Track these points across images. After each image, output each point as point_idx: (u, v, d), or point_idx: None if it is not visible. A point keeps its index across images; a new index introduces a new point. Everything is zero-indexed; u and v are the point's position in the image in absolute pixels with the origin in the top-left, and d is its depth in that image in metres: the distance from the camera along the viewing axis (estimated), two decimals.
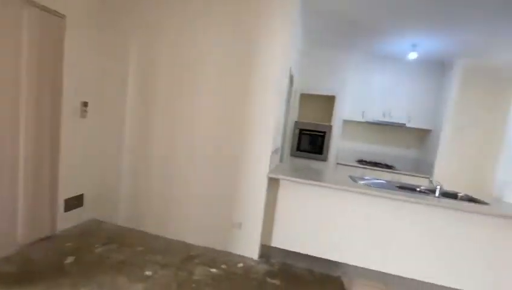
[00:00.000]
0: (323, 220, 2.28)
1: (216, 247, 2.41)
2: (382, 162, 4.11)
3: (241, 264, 2.23)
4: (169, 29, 2.39)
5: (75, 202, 2.52)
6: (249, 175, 2.30)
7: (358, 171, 3.71)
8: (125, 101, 2.53)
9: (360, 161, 4.07)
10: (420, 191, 2.41)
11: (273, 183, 2.33)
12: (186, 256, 2.25)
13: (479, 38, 2.73)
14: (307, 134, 3.78)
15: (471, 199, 2.33)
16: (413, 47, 3.06)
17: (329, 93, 3.76)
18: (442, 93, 3.65)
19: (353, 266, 2.25)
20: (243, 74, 2.26)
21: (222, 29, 2.28)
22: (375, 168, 3.77)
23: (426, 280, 2.11)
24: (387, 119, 3.85)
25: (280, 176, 2.25)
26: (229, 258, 2.30)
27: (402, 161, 4.10)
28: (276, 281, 2.07)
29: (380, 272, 2.19)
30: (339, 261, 2.27)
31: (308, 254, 2.32)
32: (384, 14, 2.54)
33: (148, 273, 1.96)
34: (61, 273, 1.85)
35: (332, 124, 3.73)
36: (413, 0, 2.25)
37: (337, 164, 3.84)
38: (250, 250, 2.35)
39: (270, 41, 2.19)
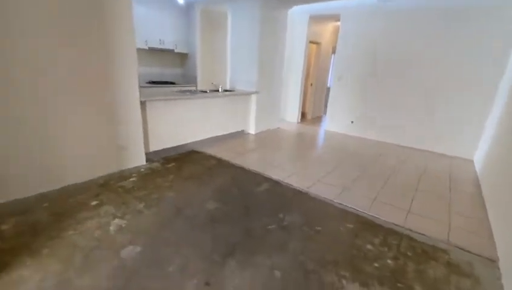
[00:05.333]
0: (176, 121, 3.58)
1: (111, 171, 2.90)
2: (165, 80, 5.48)
3: (143, 169, 3.06)
4: None
5: None
6: (125, 104, 2.85)
7: (155, 90, 4.87)
8: None
9: (150, 82, 5.13)
10: (211, 91, 4.34)
11: (142, 106, 3.08)
12: (103, 183, 2.64)
13: None
14: None
15: (227, 90, 4.69)
16: None
17: None
18: (192, 27, 5.42)
19: (196, 141, 3.93)
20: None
21: None
22: (164, 86, 5.10)
23: (222, 133, 4.37)
24: (162, 46, 5.05)
25: (147, 99, 3.07)
26: (130, 171, 2.99)
27: (176, 77, 5.75)
28: (172, 164, 3.27)
29: (209, 138, 4.11)
30: (189, 141, 3.83)
31: (173, 145, 3.62)
32: None
33: (94, 203, 2.30)
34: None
35: None
36: None
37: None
38: (139, 160, 3.16)
39: None
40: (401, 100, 4.66)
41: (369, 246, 1.97)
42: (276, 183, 2.94)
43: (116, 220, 2.08)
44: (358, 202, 2.62)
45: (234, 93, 4.46)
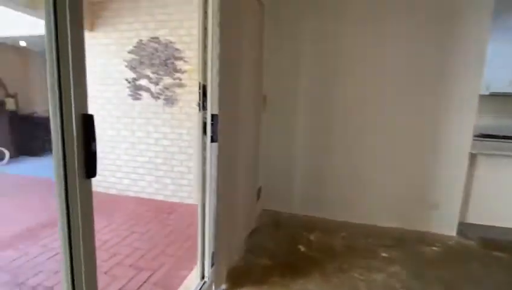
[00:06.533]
0: None
1: (412, 227, 2.51)
2: (503, 133, 4.00)
3: (450, 241, 2.34)
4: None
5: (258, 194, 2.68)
6: (449, 156, 2.36)
7: (487, 144, 3.67)
8: (298, 95, 2.63)
9: (481, 135, 4.00)
10: None
11: (470, 160, 2.38)
12: (398, 237, 2.37)
13: None
14: None
15: None
16: None
17: None
18: None
19: None
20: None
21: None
22: (502, 140, 3.70)
23: None
24: (510, 90, 3.77)
25: (479, 152, 2.32)
26: (433, 237, 2.40)
27: None
28: (495, 252, 2.16)
29: None
30: None
31: (505, 226, 2.40)
32: None
33: (384, 255, 2.09)
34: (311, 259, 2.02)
35: None
36: None
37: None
38: (448, 228, 2.44)
39: None
40: None
41: None
42: None
43: None
44: None
45: None
